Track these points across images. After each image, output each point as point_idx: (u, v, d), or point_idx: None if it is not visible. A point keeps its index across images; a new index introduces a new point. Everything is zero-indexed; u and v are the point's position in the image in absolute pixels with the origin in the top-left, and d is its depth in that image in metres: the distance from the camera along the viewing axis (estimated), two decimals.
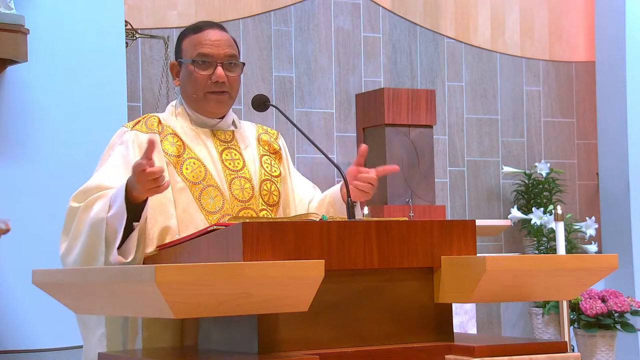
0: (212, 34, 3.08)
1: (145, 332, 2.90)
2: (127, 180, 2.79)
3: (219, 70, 3.05)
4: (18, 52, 4.53)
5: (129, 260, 2.82)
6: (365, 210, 5.63)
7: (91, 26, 4.85)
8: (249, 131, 3.23)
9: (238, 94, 3.21)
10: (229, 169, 3.06)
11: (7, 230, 3.24)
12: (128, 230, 2.83)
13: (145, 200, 2.82)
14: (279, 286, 2.28)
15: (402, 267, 2.57)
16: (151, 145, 2.69)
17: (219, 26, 3.13)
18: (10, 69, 4.63)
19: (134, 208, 2.81)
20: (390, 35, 6.70)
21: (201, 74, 3.06)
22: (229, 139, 3.13)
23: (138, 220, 2.83)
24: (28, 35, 4.59)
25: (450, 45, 6.89)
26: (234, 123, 3.20)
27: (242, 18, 6.18)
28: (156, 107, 5.76)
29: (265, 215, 3.06)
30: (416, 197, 6.08)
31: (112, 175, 2.97)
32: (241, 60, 3.14)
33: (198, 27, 3.12)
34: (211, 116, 3.11)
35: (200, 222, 2.95)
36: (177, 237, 2.90)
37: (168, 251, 2.79)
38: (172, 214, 2.96)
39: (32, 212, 4.62)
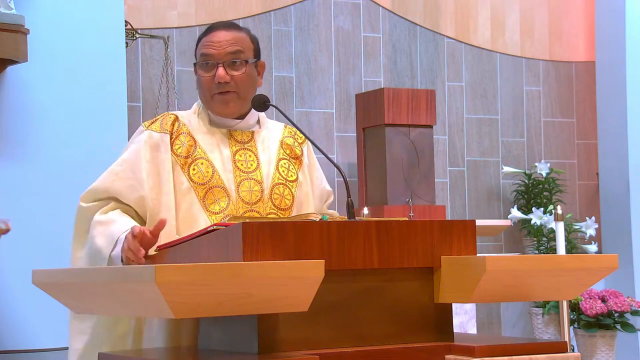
0: (217, 35, 3.06)
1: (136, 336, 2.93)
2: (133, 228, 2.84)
3: (220, 70, 3.04)
4: (18, 52, 4.53)
5: None
6: (365, 210, 5.63)
7: (91, 26, 4.85)
8: (274, 133, 3.20)
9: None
10: (240, 170, 3.05)
11: (7, 230, 3.24)
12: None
13: None
14: (279, 286, 2.28)
15: (402, 267, 2.57)
16: (161, 224, 2.75)
17: (228, 26, 3.10)
18: (10, 69, 4.63)
19: None
20: (390, 35, 6.70)
21: (205, 76, 3.06)
22: (247, 140, 3.12)
23: None
24: (28, 35, 4.59)
25: (450, 45, 6.89)
26: (259, 122, 3.19)
27: (242, 18, 6.18)
28: (156, 107, 5.76)
29: None
30: (416, 197, 6.08)
31: (120, 178, 3.00)
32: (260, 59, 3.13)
33: (208, 29, 3.10)
34: (224, 117, 3.11)
35: (202, 222, 2.96)
36: (177, 237, 2.91)
37: (168, 251, 2.79)
38: (172, 216, 2.97)
39: (32, 212, 4.62)
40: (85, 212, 3.00)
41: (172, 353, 2.73)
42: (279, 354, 2.42)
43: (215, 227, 2.58)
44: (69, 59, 4.79)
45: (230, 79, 3.05)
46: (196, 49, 3.12)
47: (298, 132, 3.26)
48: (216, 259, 2.50)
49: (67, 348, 3.12)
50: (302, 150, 3.23)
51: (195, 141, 3.06)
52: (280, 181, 3.09)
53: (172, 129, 3.06)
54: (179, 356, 2.67)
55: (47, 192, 4.67)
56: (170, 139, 3.04)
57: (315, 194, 3.23)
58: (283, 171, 3.12)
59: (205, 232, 2.61)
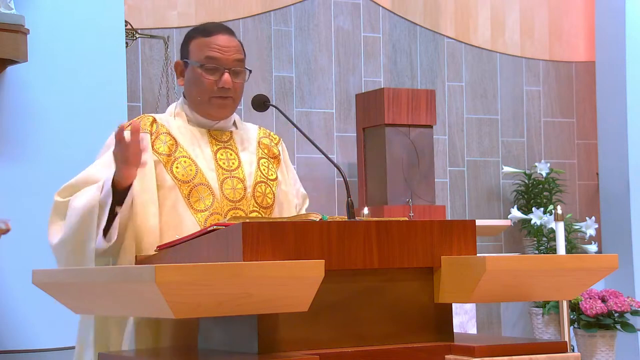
0: (222, 39, 3.08)
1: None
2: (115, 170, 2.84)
3: (226, 76, 3.06)
4: (18, 52, 4.53)
5: (111, 243, 2.86)
6: (365, 210, 5.63)
7: (91, 26, 4.85)
8: (250, 133, 3.23)
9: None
10: (222, 168, 3.07)
11: (7, 230, 3.24)
12: (112, 216, 2.87)
13: (129, 187, 2.86)
14: (279, 286, 2.28)
15: (402, 267, 2.57)
16: (135, 130, 2.76)
17: (228, 31, 3.13)
18: (10, 69, 4.63)
19: (120, 194, 2.86)
20: (390, 35, 6.70)
21: (208, 78, 3.06)
22: (226, 139, 3.14)
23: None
24: (28, 35, 4.59)
25: (450, 45, 6.89)
26: (235, 124, 3.21)
27: (242, 18, 6.18)
28: (156, 107, 5.76)
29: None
30: (416, 197, 6.08)
31: (100, 171, 3.00)
32: (247, 67, 3.15)
33: (208, 31, 3.10)
34: (215, 120, 3.13)
35: (188, 221, 2.97)
36: (178, 237, 2.91)
37: (168, 251, 2.79)
38: (153, 213, 2.97)
39: (32, 212, 4.61)
40: (62, 205, 3.00)
41: (172, 353, 2.73)
42: (279, 354, 2.42)
43: (215, 227, 2.59)
44: (69, 59, 4.79)
45: (232, 85, 3.07)
46: (189, 45, 3.11)
47: (273, 133, 3.32)
48: (216, 259, 2.50)
49: (67, 348, 3.12)
50: (278, 150, 3.26)
51: (175, 140, 3.07)
52: (262, 179, 3.12)
53: (152, 129, 3.07)
54: (179, 356, 2.68)
55: (47, 192, 4.64)
56: (151, 138, 3.05)
57: (292, 194, 3.25)
58: (264, 170, 3.15)
59: (205, 232, 2.61)
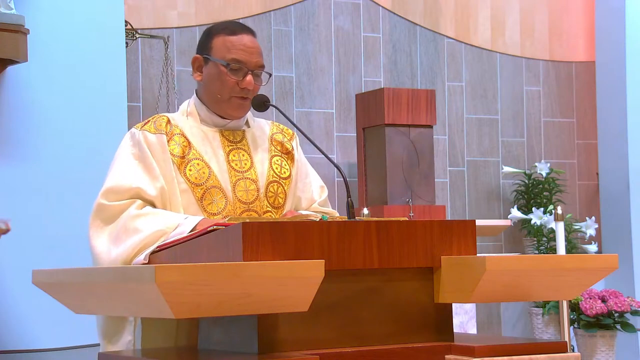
0: (247, 40, 3.09)
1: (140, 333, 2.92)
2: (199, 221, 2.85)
3: (249, 77, 3.07)
4: (18, 52, 4.53)
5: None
6: (365, 210, 5.63)
7: (91, 26, 4.85)
8: (263, 130, 3.22)
9: None
10: (234, 170, 3.06)
11: (7, 230, 3.24)
12: None
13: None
14: (279, 286, 2.28)
15: (402, 267, 2.57)
16: None
17: (252, 32, 3.14)
18: (10, 69, 4.63)
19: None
20: (390, 35, 6.70)
21: (232, 78, 3.06)
22: (238, 139, 3.13)
23: None
24: (28, 35, 4.60)
25: (450, 45, 6.89)
26: (247, 123, 3.20)
27: (242, 18, 6.17)
28: (156, 107, 5.76)
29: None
30: (416, 197, 6.08)
31: (138, 177, 2.97)
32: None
33: (232, 29, 3.10)
34: (228, 118, 3.12)
35: None
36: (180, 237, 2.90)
37: (168, 251, 2.79)
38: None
39: (32, 212, 4.62)
40: (110, 210, 2.95)
41: (172, 353, 2.73)
42: (279, 354, 2.42)
43: (215, 227, 2.59)
44: (69, 59, 4.79)
45: (253, 87, 3.09)
46: (211, 41, 3.10)
47: (286, 128, 3.30)
48: (216, 259, 2.50)
49: (67, 348, 3.11)
50: (292, 146, 3.25)
51: (188, 142, 3.06)
52: (274, 179, 3.11)
53: (167, 129, 3.06)
54: (179, 356, 2.68)
55: (47, 192, 4.67)
56: (166, 139, 3.04)
57: (300, 189, 3.24)
58: (276, 168, 3.14)
59: (205, 232, 2.61)
